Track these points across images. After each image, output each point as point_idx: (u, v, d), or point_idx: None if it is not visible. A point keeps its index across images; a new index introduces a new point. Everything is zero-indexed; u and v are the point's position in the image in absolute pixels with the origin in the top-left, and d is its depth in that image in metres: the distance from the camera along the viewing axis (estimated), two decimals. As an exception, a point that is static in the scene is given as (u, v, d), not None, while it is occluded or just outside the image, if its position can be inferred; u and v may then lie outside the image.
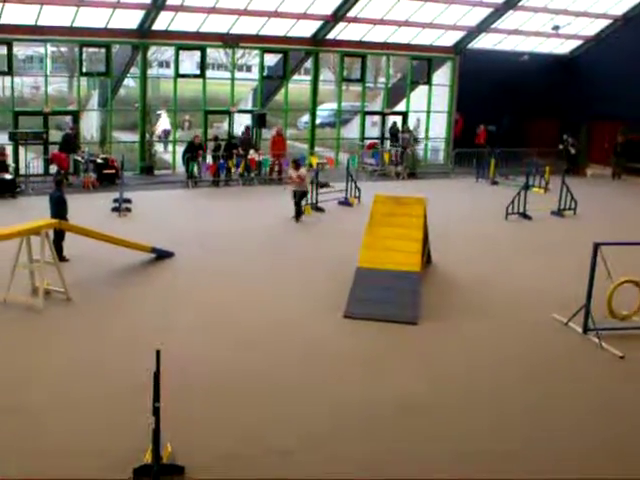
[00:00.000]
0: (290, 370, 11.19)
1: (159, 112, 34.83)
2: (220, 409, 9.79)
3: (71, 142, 27.01)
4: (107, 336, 12.26)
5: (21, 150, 27.13)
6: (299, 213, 21.66)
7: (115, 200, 21.78)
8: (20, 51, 42.23)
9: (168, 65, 46.18)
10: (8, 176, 24.41)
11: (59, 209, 15.77)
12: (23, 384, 10.36)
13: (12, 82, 28.31)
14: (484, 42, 34.32)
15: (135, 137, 31.18)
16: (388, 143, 33.54)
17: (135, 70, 31.29)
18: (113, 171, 26.56)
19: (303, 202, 22.02)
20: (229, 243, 18.22)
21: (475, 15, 32.35)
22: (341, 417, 9.73)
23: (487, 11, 32.17)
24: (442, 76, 34.99)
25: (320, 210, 22.86)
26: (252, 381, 10.65)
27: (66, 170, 26.01)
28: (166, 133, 35.24)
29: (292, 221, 21.20)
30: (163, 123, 35.06)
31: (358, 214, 19.97)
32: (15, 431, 9.04)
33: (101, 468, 8.24)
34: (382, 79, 42.27)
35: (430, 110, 34.50)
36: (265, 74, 32.63)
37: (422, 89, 34.64)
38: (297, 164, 22.23)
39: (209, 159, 28.16)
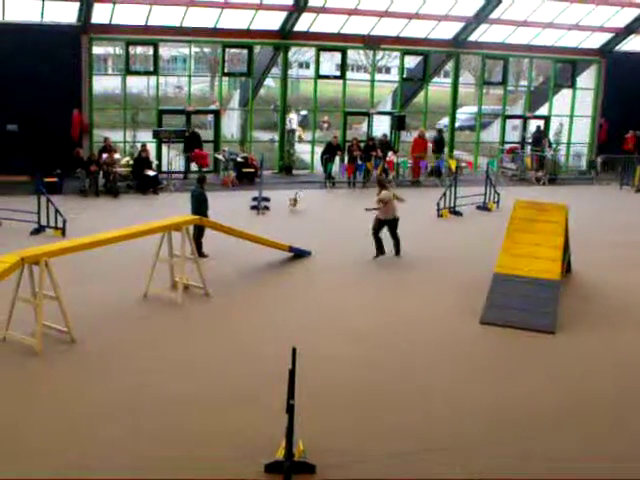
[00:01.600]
0: (421, 372, 11.06)
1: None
2: (352, 409, 9.75)
3: (194, 141, 27.55)
4: (243, 332, 12.42)
5: (164, 148, 27.89)
6: (379, 248, 17.04)
7: (254, 198, 22.11)
8: (165, 52, 43.42)
9: (308, 66, 46.62)
10: (151, 173, 25.11)
11: (200, 206, 16.11)
12: (164, 375, 10.58)
13: (157, 82, 29.12)
14: (633, 44, 33.06)
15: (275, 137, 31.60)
16: (529, 148, 32.85)
17: (276, 70, 31.69)
18: (252, 170, 26.99)
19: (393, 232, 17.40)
20: (365, 243, 18.18)
21: (623, 16, 31.24)
22: (466, 421, 9.55)
23: (636, 12, 31.02)
24: (587, 79, 33.96)
25: (458, 214, 22.56)
26: (384, 382, 10.57)
27: (206, 168, 26.63)
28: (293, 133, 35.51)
29: (431, 225, 20.94)
30: (291, 123, 35.36)
31: (496, 219, 19.59)
32: (161, 419, 9.25)
33: (234, 459, 8.32)
34: (524, 82, 41.47)
35: (573, 114, 33.57)
36: (405, 76, 32.49)
37: (565, 93, 33.76)
38: (381, 184, 17.57)
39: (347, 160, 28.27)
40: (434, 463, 8.53)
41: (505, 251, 14.39)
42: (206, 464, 8.26)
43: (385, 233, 17.15)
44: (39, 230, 18.81)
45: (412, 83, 32.48)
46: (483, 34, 30.88)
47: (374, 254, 16.86)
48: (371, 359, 11.39)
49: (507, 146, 33.08)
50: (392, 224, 17.14)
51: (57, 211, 18.55)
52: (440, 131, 31.74)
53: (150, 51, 29.58)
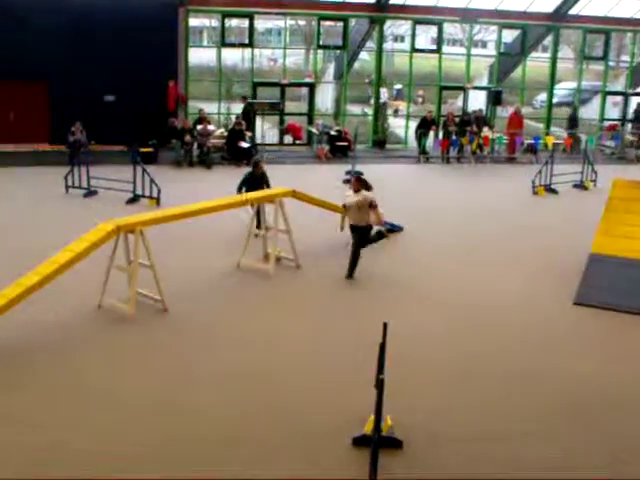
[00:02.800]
0: (517, 354, 10.83)
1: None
2: (443, 388, 9.63)
3: (250, 114, 27.52)
4: (335, 306, 12.39)
5: (258, 120, 28.02)
6: (353, 266, 13.68)
7: (347, 172, 22.04)
8: (259, 24, 43.54)
9: (402, 39, 46.15)
10: (245, 145, 25.25)
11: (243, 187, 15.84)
12: (254, 347, 10.64)
13: (252, 54, 29.23)
14: None
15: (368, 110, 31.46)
16: (630, 125, 31.95)
17: (370, 44, 31.48)
18: (346, 143, 26.96)
19: (368, 247, 14.00)
20: (459, 221, 17.97)
21: None
22: (565, 405, 9.33)
23: None
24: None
25: (553, 192, 22.11)
26: (474, 363, 10.39)
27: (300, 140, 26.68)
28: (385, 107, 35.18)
29: (526, 202, 20.55)
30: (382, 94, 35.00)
31: (593, 198, 19.12)
32: (249, 392, 9.30)
33: (321, 433, 8.32)
34: (626, 57, 40.29)
35: (678, 92, 32.55)
36: (502, 50, 31.92)
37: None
38: (360, 182, 13.85)
39: (441, 135, 27.98)
40: (532, 448, 8.34)
41: (602, 231, 14.03)
42: (293, 437, 8.27)
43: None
44: (134, 199, 19.12)
45: (509, 58, 31.89)
46: (584, 7, 30.08)
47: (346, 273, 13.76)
48: (464, 340, 11.20)
49: (606, 123, 32.26)
50: (363, 233, 13.65)
51: (152, 181, 18.80)
52: (575, 109, 31.31)
53: (245, 23, 29.69)
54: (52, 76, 26.41)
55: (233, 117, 27.32)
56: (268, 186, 15.69)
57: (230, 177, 21.64)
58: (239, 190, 15.45)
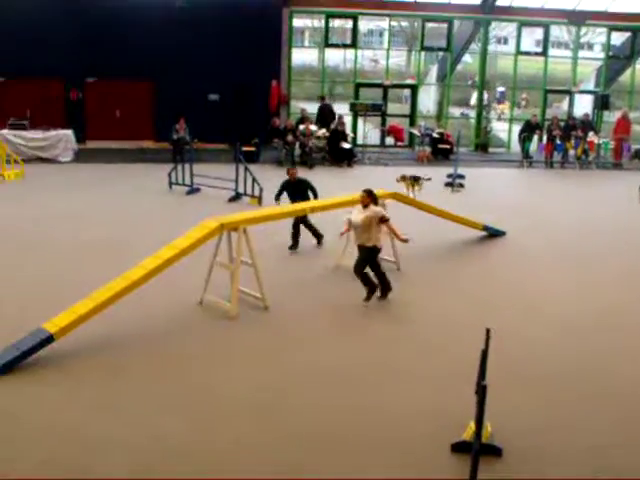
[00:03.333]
0: (629, 363, 10.53)
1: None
2: (544, 395, 9.43)
3: (326, 114, 27.40)
4: (430, 309, 12.27)
5: (360, 121, 28.03)
6: (371, 291, 12.28)
7: (449, 175, 21.86)
8: (362, 25, 43.53)
9: (506, 41, 45.54)
10: (346, 145, 25.30)
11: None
12: (353, 349, 10.64)
13: (355, 55, 29.25)
14: None
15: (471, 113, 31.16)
16: None
17: (474, 46, 31.17)
18: (448, 146, 26.76)
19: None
20: (563, 228, 17.61)
21: None
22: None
23: None
24: None
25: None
26: (577, 369, 10.15)
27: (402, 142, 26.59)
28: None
29: (631, 210, 19.98)
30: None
31: None
32: (345, 393, 9.28)
33: (418, 437, 8.23)
34: None
35: None
36: (610, 53, 31.18)
37: None
38: (370, 196, 12.22)
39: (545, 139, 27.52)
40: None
41: None
42: (390, 440, 8.21)
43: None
44: (236, 197, 19.33)
45: (618, 60, 31.14)
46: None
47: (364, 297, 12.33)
48: (571, 347, 10.92)
49: None
50: (370, 254, 12.19)
51: (254, 180, 18.96)
52: None
53: (348, 24, 29.73)
54: (157, 75, 26.94)
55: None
56: (314, 194, 15.00)
57: (331, 178, 21.79)
58: (277, 198, 15.15)
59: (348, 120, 27.67)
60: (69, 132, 25.97)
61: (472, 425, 7.72)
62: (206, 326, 11.22)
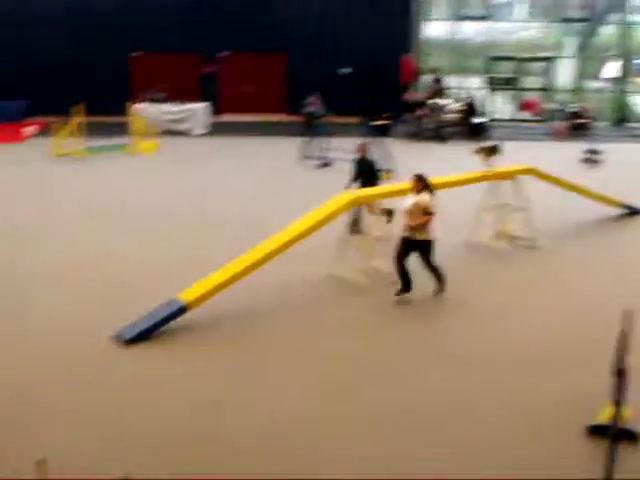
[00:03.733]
0: None
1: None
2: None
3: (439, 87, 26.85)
4: (569, 289, 11.96)
5: (495, 95, 27.57)
6: (406, 285, 11.20)
7: (586, 151, 21.25)
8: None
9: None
10: (479, 120, 24.90)
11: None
12: (490, 323, 10.50)
13: (489, 28, 28.73)
14: None
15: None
16: None
17: (615, 17, 30.10)
18: (585, 121, 26.00)
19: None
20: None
21: None
22: None
23: None
24: None
25: None
26: None
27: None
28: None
29: None
30: (609, 70, 32.96)
31: None
32: (484, 371, 9.19)
33: (547, 416, 8.05)
34: None
35: None
36: None
37: None
38: (420, 182, 11.17)
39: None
40: None
41: None
42: (522, 418, 8.06)
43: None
44: (325, 165, 19.30)
45: None
46: None
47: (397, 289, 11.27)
48: None
49: None
50: (421, 248, 11.06)
51: (387, 154, 18.86)
52: None
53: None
54: (290, 48, 27.09)
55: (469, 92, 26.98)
56: (375, 176, 14.10)
57: (464, 152, 21.42)
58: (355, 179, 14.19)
59: (481, 94, 27.19)
60: (204, 105, 26.43)
61: (609, 408, 7.49)
62: (338, 298, 11.29)
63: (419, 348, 9.72)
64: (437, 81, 27.46)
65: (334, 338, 9.91)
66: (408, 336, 10.08)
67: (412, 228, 10.78)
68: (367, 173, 13.95)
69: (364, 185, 13.51)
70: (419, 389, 8.64)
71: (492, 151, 13.57)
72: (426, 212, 10.72)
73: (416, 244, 10.88)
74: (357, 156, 14.27)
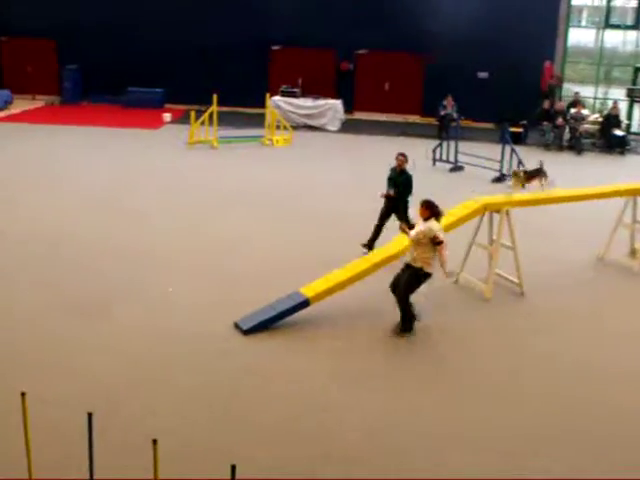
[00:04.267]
0: None
1: None
2: None
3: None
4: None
5: (636, 107, 26.68)
6: (405, 321, 10.05)
7: None
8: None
9: None
10: (619, 132, 24.12)
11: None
12: (605, 349, 10.12)
13: (637, 37, 27.84)
14: None
15: None
16: None
17: None
18: None
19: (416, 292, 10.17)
20: None
21: None
22: None
23: None
24: None
25: None
26: None
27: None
28: None
29: None
30: None
31: None
32: (578, 392, 8.88)
33: None
34: None
35: None
36: None
37: None
38: (429, 209, 10.01)
39: None
40: None
41: None
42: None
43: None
44: (500, 179, 18.91)
45: None
46: None
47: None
48: None
49: None
50: (415, 277, 9.94)
51: (520, 162, 18.50)
52: None
53: (631, 3, 28.26)
54: (430, 49, 26.93)
55: (610, 102, 26.16)
56: (408, 191, 12.93)
57: (601, 165, 20.88)
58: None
59: (623, 106, 26.33)
60: (338, 102, 26.49)
61: None
62: (460, 305, 11.16)
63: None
64: (577, 92, 26.77)
65: (451, 345, 9.76)
66: (519, 350, 9.83)
67: (421, 260, 9.74)
68: (402, 185, 12.89)
69: (397, 199, 12.86)
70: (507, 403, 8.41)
71: (534, 175, 12.91)
72: (435, 241, 9.60)
73: (412, 270, 9.81)
74: (395, 167, 13.11)
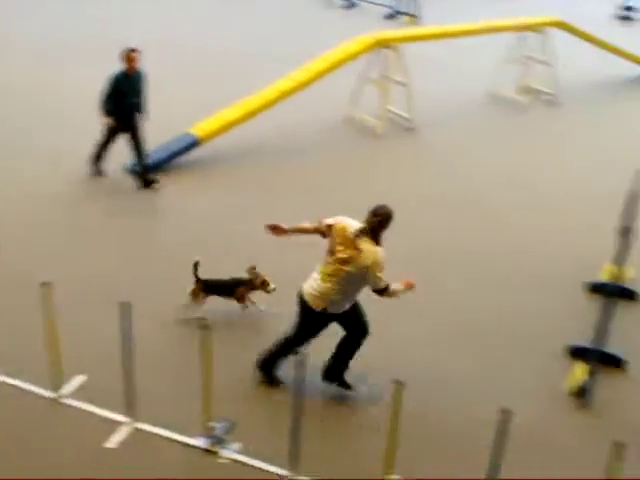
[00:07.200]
0: None
1: None
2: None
3: None
4: (585, 146, 11.86)
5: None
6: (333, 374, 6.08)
7: (620, 7, 20.60)
8: None
9: None
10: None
11: None
12: (491, 183, 10.43)
13: None
14: None
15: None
16: None
17: None
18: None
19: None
20: None
21: None
22: None
23: None
24: None
25: None
26: None
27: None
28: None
29: None
30: None
31: None
32: (463, 219, 9.23)
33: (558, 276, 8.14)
34: None
35: None
36: None
37: None
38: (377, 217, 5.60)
39: None
40: None
41: None
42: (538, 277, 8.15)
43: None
44: (393, 15, 18.78)
45: None
46: None
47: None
48: None
49: None
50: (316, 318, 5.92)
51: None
52: None
53: None
54: None
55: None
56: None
57: (500, 3, 20.74)
58: None
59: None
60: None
61: (610, 268, 7.56)
62: (352, 142, 11.24)
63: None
64: None
65: (344, 182, 9.93)
66: (413, 182, 10.10)
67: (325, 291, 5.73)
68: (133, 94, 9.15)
69: (124, 117, 9.09)
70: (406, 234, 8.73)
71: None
72: (375, 288, 5.71)
73: (314, 314, 5.83)
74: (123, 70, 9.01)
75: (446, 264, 8.09)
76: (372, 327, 5.91)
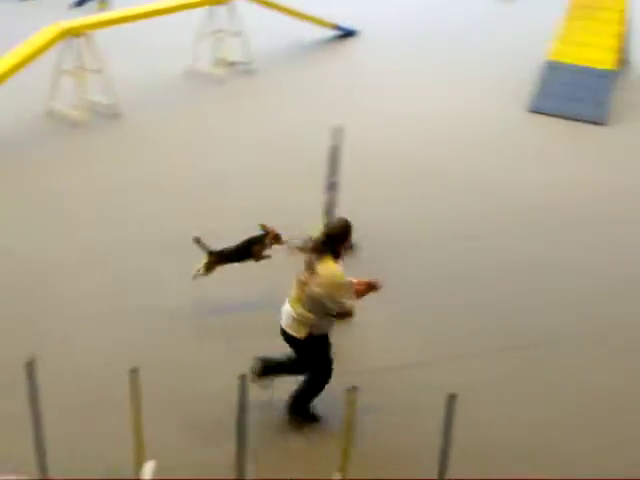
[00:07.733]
0: (471, 161, 10.91)
1: None
2: (408, 199, 9.75)
3: None
4: (284, 112, 12.30)
5: None
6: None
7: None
8: None
9: None
10: None
11: None
12: (205, 152, 10.67)
13: None
14: None
15: None
16: None
17: None
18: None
19: None
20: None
21: None
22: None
23: None
24: None
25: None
26: (429, 171, 10.50)
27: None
28: None
29: (484, 11, 19.79)
30: None
31: (553, 7, 18.20)
32: (195, 196, 9.38)
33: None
34: None
35: None
36: None
37: None
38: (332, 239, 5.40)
39: None
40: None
41: (559, 39, 13.63)
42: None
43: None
44: (81, 3, 18.17)
45: None
46: None
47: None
48: (419, 150, 11.18)
49: None
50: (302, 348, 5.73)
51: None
52: None
53: None
54: None
55: None
56: None
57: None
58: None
59: None
60: None
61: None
62: (54, 134, 11.01)
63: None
64: None
65: (50, 175, 9.76)
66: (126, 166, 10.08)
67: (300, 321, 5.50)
68: None
69: None
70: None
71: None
72: (340, 312, 5.45)
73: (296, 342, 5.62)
74: None
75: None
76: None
